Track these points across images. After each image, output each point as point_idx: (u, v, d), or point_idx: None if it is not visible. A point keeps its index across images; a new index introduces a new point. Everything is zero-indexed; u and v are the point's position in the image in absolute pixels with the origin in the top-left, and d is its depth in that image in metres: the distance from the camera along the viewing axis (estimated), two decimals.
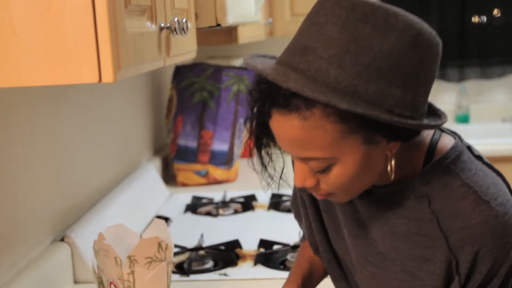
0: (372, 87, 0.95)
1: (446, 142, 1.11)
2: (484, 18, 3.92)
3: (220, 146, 2.68)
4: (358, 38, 0.95)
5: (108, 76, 0.93)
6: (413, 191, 1.08)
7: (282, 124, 1.00)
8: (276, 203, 2.33)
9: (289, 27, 3.55)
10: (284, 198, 2.37)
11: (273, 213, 2.26)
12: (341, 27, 0.96)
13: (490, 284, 1.07)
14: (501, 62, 3.91)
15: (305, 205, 1.30)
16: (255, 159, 1.15)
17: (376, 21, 0.96)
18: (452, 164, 1.08)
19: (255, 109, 1.06)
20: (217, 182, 2.69)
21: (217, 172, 2.68)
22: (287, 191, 2.41)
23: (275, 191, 2.42)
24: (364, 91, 0.95)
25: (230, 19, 1.69)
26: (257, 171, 1.16)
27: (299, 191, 1.31)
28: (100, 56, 0.92)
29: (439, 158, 1.08)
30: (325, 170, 1.03)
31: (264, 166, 1.15)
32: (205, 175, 2.67)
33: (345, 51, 0.95)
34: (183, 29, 1.28)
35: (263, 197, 2.42)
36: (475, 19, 3.92)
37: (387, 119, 0.95)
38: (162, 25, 1.22)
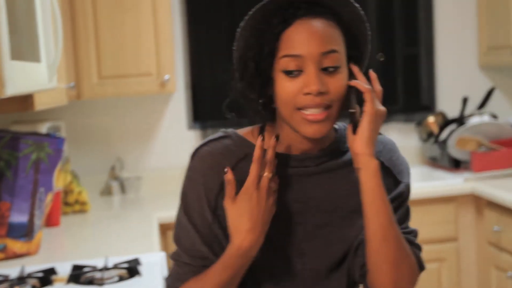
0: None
1: None
2: None
3: (18, 217, 2.54)
4: None
5: None
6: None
7: (309, 26, 1.28)
8: (76, 275, 2.23)
9: (97, 89, 3.48)
10: (86, 270, 2.28)
11: (73, 287, 2.16)
12: None
13: None
14: None
15: None
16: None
17: None
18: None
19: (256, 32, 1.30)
20: (17, 256, 2.54)
21: (16, 245, 2.54)
22: (89, 261, 2.34)
23: (76, 262, 2.33)
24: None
25: (9, 91, 1.62)
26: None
27: None
28: None
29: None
30: (336, 70, 1.29)
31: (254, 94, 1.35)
32: (3, 249, 2.52)
33: None
34: None
35: (64, 270, 2.31)
36: None
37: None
38: None
